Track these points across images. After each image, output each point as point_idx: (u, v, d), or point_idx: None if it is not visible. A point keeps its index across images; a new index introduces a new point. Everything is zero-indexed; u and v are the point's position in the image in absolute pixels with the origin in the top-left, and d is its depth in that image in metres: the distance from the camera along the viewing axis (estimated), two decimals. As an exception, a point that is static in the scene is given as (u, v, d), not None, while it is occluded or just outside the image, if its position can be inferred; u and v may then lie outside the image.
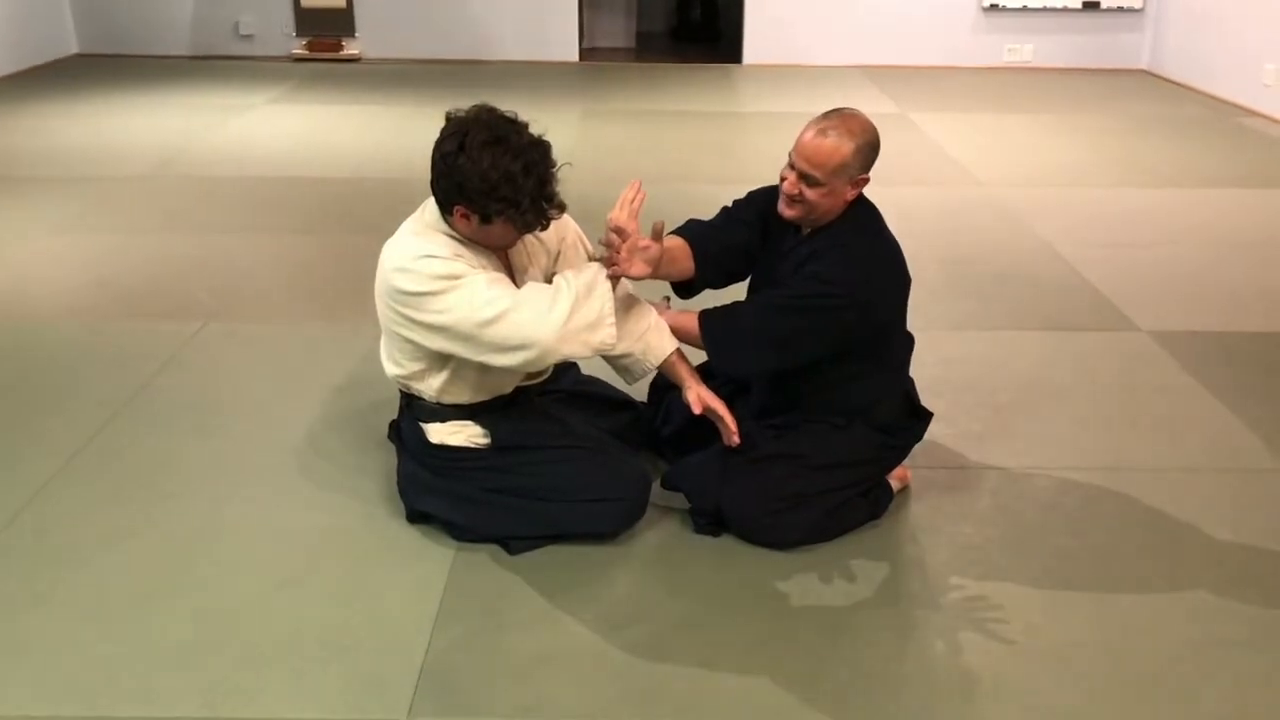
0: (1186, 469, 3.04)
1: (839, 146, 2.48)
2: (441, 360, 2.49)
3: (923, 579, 2.56)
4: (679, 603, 2.46)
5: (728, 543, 2.66)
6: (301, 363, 3.64)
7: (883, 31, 9.10)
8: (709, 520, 2.69)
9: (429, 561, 2.58)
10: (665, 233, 2.56)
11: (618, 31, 10.19)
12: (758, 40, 9.17)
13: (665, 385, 3.04)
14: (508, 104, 2.47)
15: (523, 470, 2.62)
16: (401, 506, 2.74)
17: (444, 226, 2.43)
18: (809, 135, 2.50)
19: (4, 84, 8.12)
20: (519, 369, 2.46)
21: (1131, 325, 4.01)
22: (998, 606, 2.44)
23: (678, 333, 2.63)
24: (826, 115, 2.53)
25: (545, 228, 2.43)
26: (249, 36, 9.18)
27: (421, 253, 2.39)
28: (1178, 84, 8.62)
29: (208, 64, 8.97)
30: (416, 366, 2.53)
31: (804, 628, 2.38)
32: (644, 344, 2.61)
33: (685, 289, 2.76)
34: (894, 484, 2.83)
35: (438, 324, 2.38)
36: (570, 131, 6.79)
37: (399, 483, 2.74)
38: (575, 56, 9.24)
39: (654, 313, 2.64)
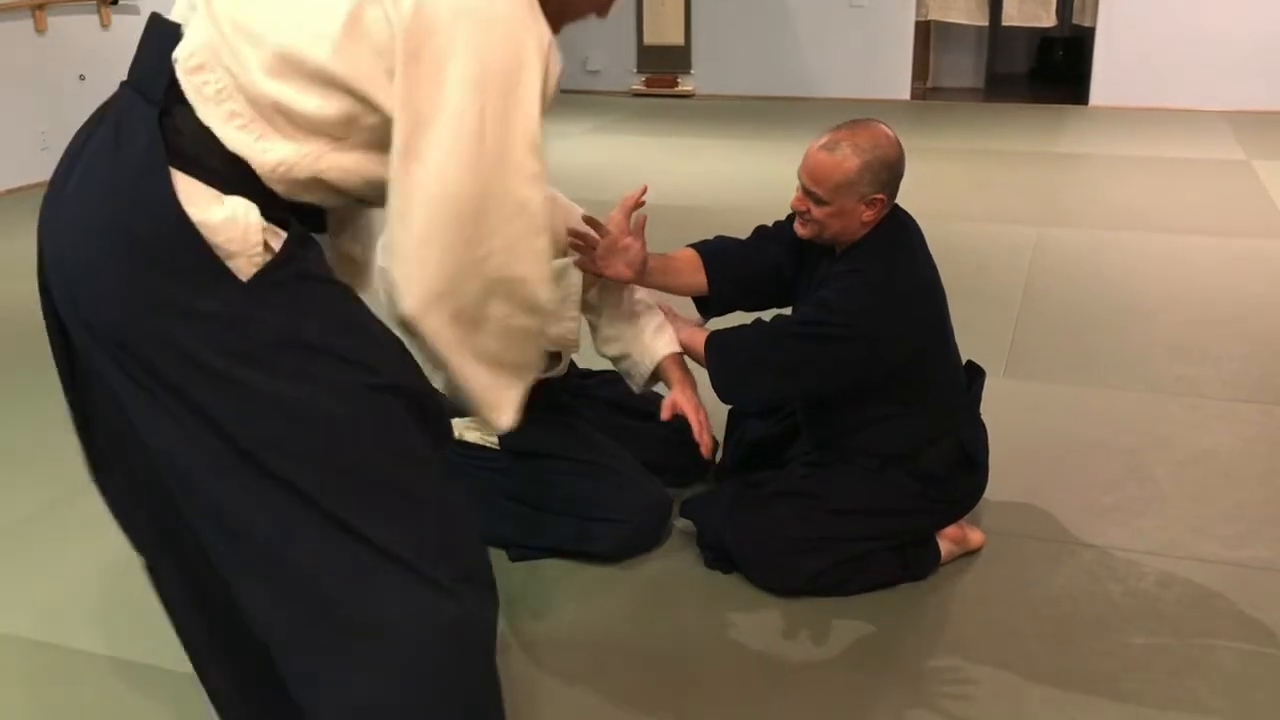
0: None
1: (842, 162, 2.22)
2: None
3: (924, 654, 2.21)
4: (629, 639, 2.28)
5: (733, 583, 2.44)
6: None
7: (1255, 73, 8.06)
8: (717, 556, 2.48)
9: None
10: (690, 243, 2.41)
11: (965, 71, 9.73)
12: (1106, 81, 8.43)
13: (739, 413, 2.87)
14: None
15: (529, 476, 2.54)
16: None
17: None
18: (814, 149, 2.27)
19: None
20: None
21: (1389, 407, 3.27)
22: (978, 702, 2.06)
23: (688, 350, 2.45)
24: (838, 127, 2.28)
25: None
26: (595, 72, 9.68)
27: None
28: None
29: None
30: None
31: (741, 686, 2.13)
32: (641, 345, 2.46)
33: (704, 307, 2.57)
34: (947, 545, 2.47)
35: None
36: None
37: None
38: (906, 95, 8.94)
39: (659, 317, 2.49)
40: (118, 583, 2.47)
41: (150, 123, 1.38)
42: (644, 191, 2.40)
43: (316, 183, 1.44)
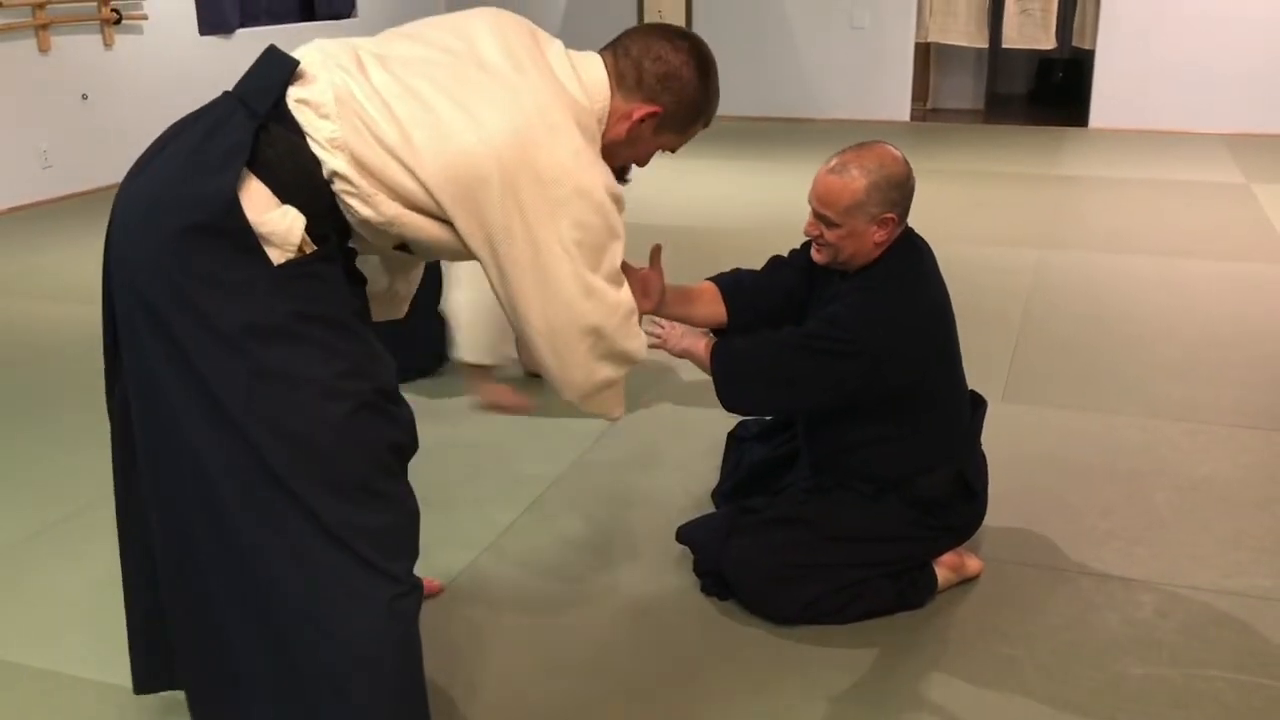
0: (1355, 609, 2.42)
1: (850, 184, 2.23)
2: None
3: (920, 683, 2.20)
4: (622, 667, 2.27)
5: (728, 609, 2.43)
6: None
7: (1254, 96, 8.08)
8: (713, 582, 2.47)
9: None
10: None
11: (965, 93, 9.76)
12: (1106, 103, 8.45)
13: (741, 437, 2.87)
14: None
15: None
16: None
17: None
18: (822, 172, 2.28)
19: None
20: None
21: (1389, 433, 3.26)
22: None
23: (693, 357, 2.43)
24: (844, 149, 2.29)
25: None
26: (596, 92, 9.70)
27: None
28: None
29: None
30: None
31: (736, 714, 2.12)
32: None
33: (722, 335, 2.57)
34: (944, 572, 2.46)
35: None
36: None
37: None
38: (906, 116, 8.96)
39: None
40: (111, 607, 2.45)
41: (248, 131, 1.56)
42: (659, 250, 2.40)
43: (388, 224, 1.63)
